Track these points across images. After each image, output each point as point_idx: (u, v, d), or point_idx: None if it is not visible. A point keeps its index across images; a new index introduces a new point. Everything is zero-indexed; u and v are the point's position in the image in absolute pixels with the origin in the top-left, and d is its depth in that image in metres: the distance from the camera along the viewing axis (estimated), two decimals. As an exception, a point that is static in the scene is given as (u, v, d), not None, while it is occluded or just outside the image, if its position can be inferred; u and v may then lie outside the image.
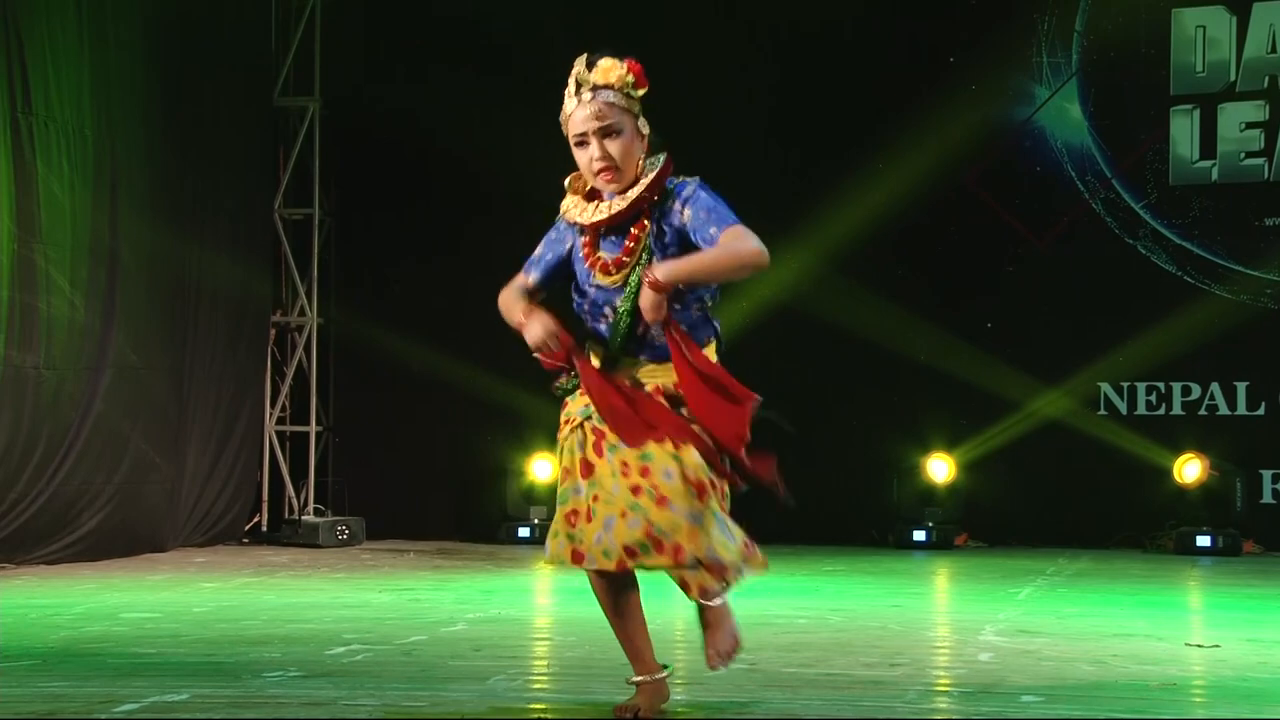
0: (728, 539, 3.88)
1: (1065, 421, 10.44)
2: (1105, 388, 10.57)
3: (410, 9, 11.33)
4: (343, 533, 10.67)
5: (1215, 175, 10.50)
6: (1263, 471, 10.27)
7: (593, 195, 4.03)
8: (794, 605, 7.05)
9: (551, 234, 4.13)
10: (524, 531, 10.70)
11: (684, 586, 3.91)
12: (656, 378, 3.99)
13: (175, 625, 6.27)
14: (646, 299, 3.87)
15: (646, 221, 3.95)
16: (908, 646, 5.71)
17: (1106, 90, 10.66)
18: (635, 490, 3.86)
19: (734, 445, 3.92)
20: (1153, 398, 10.53)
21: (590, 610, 6.72)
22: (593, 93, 3.93)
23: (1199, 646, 5.75)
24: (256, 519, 11.22)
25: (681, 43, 9.95)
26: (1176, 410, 10.49)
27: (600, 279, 4.00)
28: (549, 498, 10.74)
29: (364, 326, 11.16)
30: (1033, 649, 5.64)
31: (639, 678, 4.10)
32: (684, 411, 3.95)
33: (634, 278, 3.95)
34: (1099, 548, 10.07)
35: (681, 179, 3.99)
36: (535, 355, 4.05)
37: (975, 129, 10.54)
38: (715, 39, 10.53)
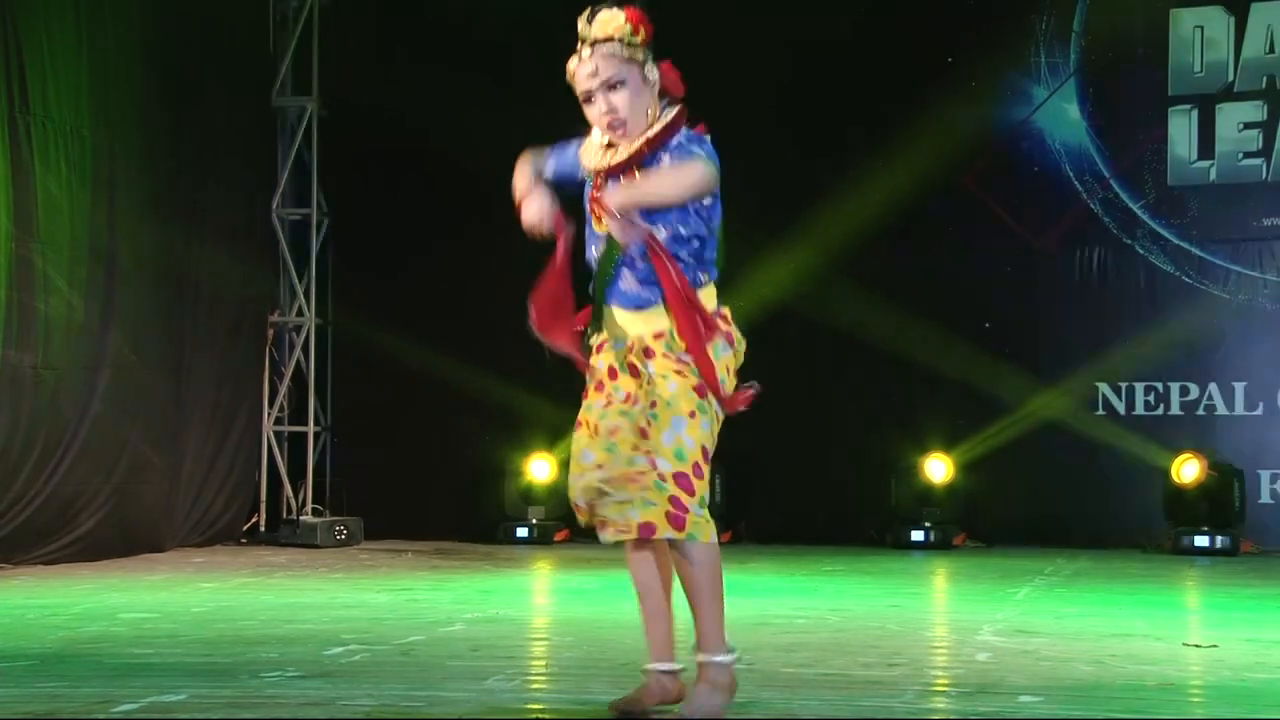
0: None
1: (1063, 422, 10.45)
2: (1103, 388, 10.58)
3: (408, 9, 11.32)
4: (340, 533, 10.66)
5: (1213, 175, 10.50)
6: (1260, 472, 10.28)
7: (612, 144, 4.01)
8: (792, 605, 7.05)
9: (580, 145, 4.08)
10: (522, 532, 10.69)
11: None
12: (635, 327, 3.96)
13: (173, 625, 6.27)
14: (613, 229, 3.85)
15: (637, 173, 3.93)
16: (906, 646, 5.71)
17: (1105, 90, 10.67)
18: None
19: (710, 376, 3.90)
20: (1151, 398, 10.53)
21: (588, 610, 6.74)
22: (592, 48, 3.93)
23: (1197, 646, 5.75)
24: (254, 519, 11.22)
25: (681, 43, 9.94)
26: (1174, 410, 10.49)
27: (596, 226, 4.01)
28: (547, 498, 10.74)
29: (362, 326, 11.16)
30: (1031, 649, 5.64)
31: (649, 666, 4.08)
32: (651, 366, 3.92)
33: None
34: (1097, 548, 10.07)
35: (688, 132, 3.94)
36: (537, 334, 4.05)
37: (973, 129, 10.54)
38: (715, 39, 10.52)
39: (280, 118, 11.41)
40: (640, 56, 3.94)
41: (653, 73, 3.95)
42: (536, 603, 7.84)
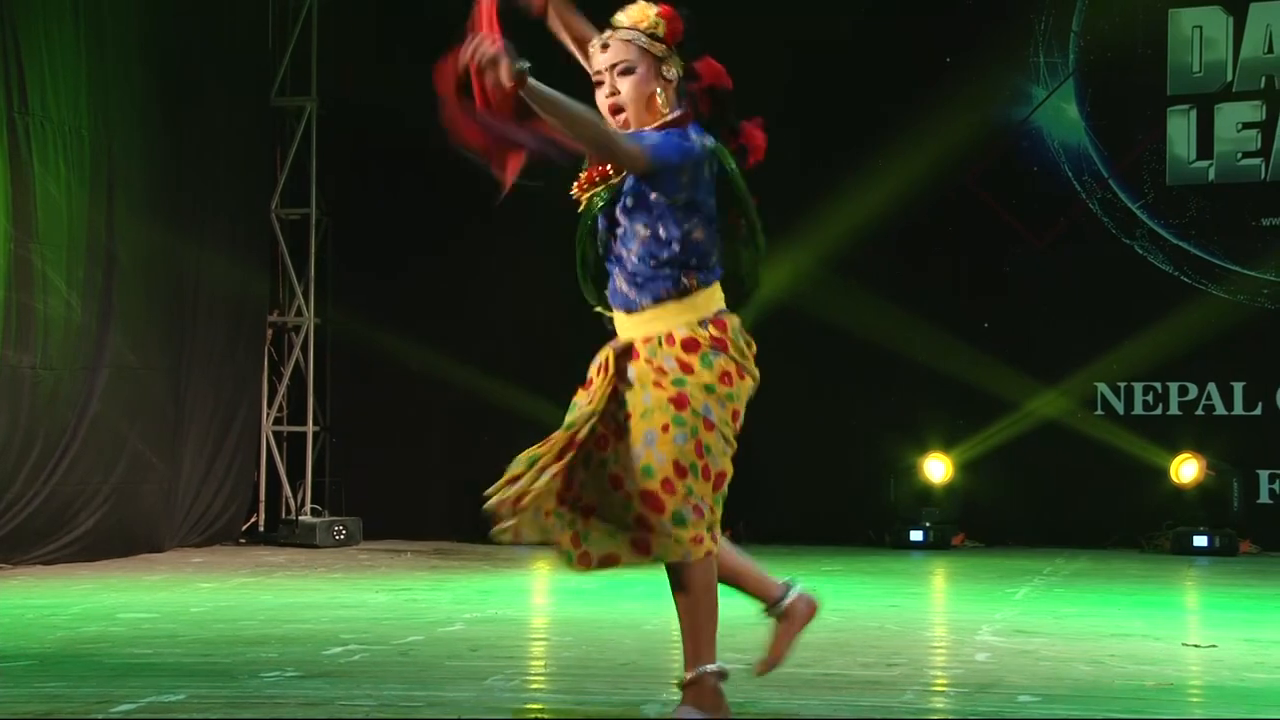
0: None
1: (1062, 421, 10.45)
2: (1102, 388, 10.58)
3: (408, 8, 11.31)
4: (340, 533, 10.66)
5: (1212, 175, 10.50)
6: (1259, 471, 10.28)
7: None
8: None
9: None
10: (521, 531, 10.67)
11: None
12: (627, 330, 3.88)
13: (172, 625, 6.27)
14: (499, 69, 3.55)
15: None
16: (905, 646, 5.71)
17: (1103, 90, 10.67)
18: (560, 499, 3.81)
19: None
20: (1150, 398, 10.53)
21: (587, 610, 6.74)
22: (614, 33, 3.91)
23: (1196, 646, 5.75)
24: (253, 519, 11.21)
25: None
26: (1173, 410, 10.49)
27: (575, 191, 3.92)
28: (546, 498, 10.72)
29: (361, 326, 11.16)
30: (1030, 649, 5.64)
31: (687, 674, 3.95)
32: (631, 371, 3.80)
33: (594, 200, 3.87)
34: (1096, 548, 10.07)
35: (677, 130, 3.84)
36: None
37: (972, 129, 10.54)
38: (714, 40, 10.52)
39: (279, 118, 11.40)
40: (658, 51, 3.88)
41: (670, 71, 3.89)
42: (535, 603, 7.84)
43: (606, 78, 3.89)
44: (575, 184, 3.94)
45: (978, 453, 10.51)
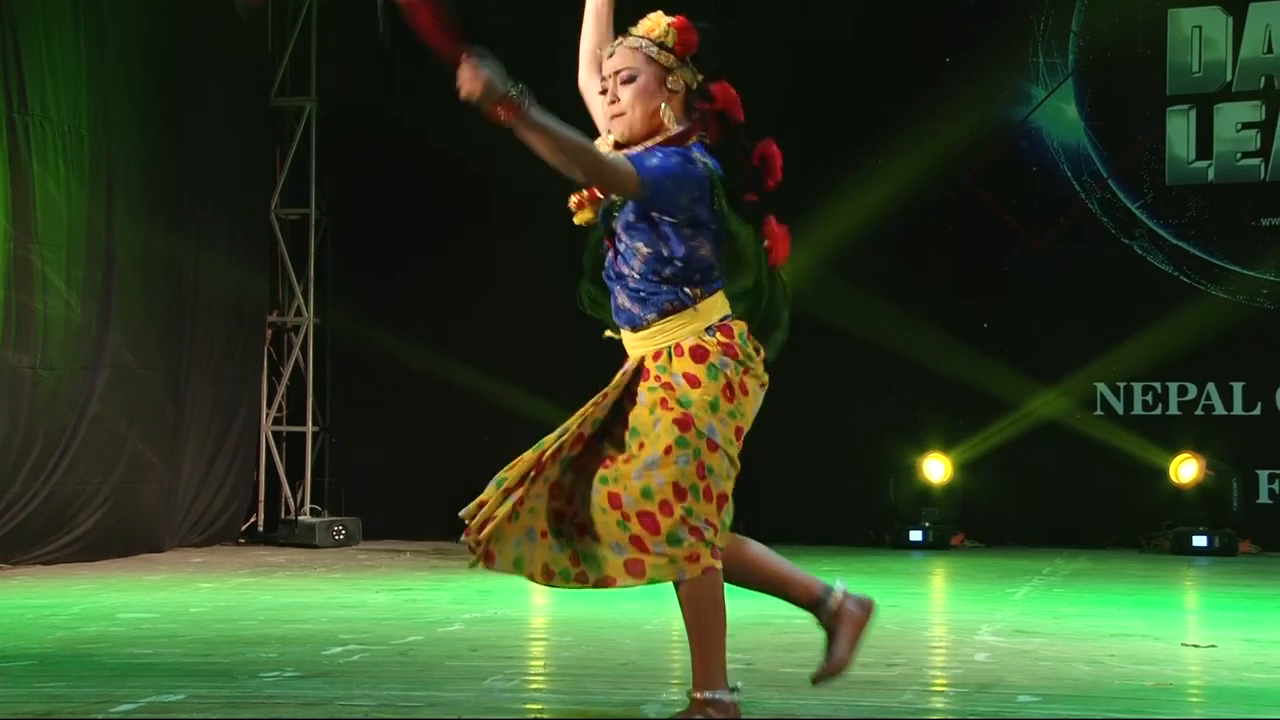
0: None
1: (1062, 421, 10.45)
2: (1102, 388, 10.58)
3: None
4: (339, 533, 10.66)
5: (1211, 175, 10.50)
6: (1259, 471, 10.28)
7: (618, 144, 3.90)
8: (791, 605, 7.03)
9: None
10: (521, 532, 10.67)
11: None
12: (636, 348, 3.85)
13: (172, 625, 6.27)
14: (464, 72, 3.63)
15: None
16: (904, 646, 5.71)
17: (1103, 90, 10.67)
18: (560, 516, 3.79)
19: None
20: (1149, 398, 10.53)
21: (587, 610, 6.74)
22: (623, 39, 3.89)
23: (1195, 647, 5.75)
24: (253, 519, 11.21)
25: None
26: (1173, 410, 10.49)
27: (573, 202, 3.91)
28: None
29: (360, 327, 11.16)
30: (1029, 649, 5.65)
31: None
32: (641, 393, 3.76)
33: (599, 216, 3.86)
34: (1095, 548, 10.07)
35: (678, 148, 3.80)
36: None
37: (972, 129, 10.54)
38: (714, 40, 10.53)
39: (279, 118, 11.40)
40: (666, 61, 3.84)
41: (676, 83, 3.84)
42: (535, 603, 7.84)
43: (610, 84, 3.87)
44: (575, 196, 3.90)
45: (977, 453, 10.51)
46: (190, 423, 10.31)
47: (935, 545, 10.35)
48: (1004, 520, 10.59)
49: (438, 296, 11.14)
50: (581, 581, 3.77)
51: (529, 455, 3.79)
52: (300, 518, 10.90)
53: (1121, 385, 10.56)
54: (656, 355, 3.80)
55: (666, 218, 3.75)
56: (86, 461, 9.26)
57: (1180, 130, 10.53)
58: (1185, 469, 10.11)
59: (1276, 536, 10.12)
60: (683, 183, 3.74)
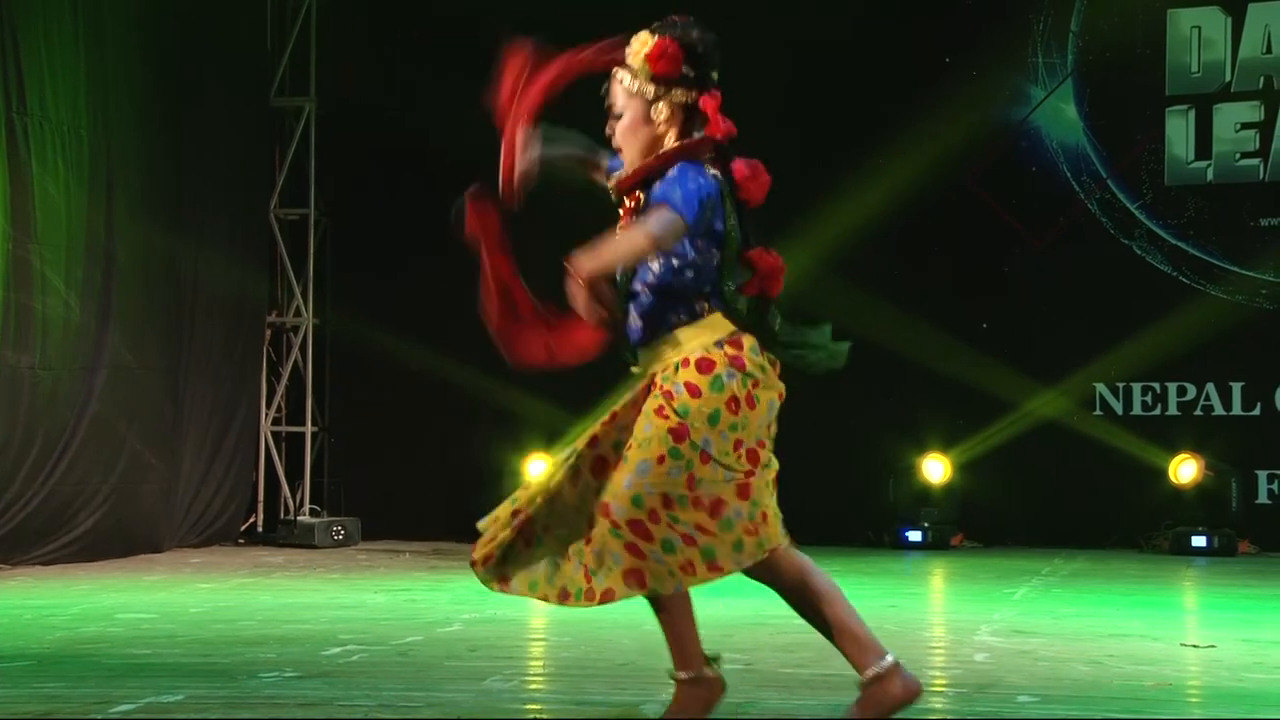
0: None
1: (1061, 422, 10.45)
2: (1101, 388, 10.58)
3: (406, 8, 11.32)
4: (338, 533, 10.66)
5: (1210, 176, 10.51)
6: (1258, 472, 10.28)
7: None
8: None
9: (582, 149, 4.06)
10: (520, 532, 10.66)
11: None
12: (648, 364, 3.87)
13: (171, 626, 6.27)
14: (571, 289, 3.75)
15: (641, 195, 3.85)
16: (903, 647, 5.69)
17: (1102, 91, 10.67)
18: (569, 537, 3.81)
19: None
20: (1148, 398, 10.53)
21: (586, 611, 6.73)
22: (620, 68, 3.89)
23: (1194, 647, 5.76)
24: (252, 519, 11.21)
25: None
26: (1172, 410, 10.49)
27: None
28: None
29: (360, 327, 11.15)
30: (1028, 649, 5.65)
31: (680, 674, 3.94)
32: (646, 401, 3.81)
33: None
34: (1095, 548, 10.07)
35: (684, 165, 3.80)
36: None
37: (972, 129, 10.53)
38: (709, 47, 10.52)
39: (278, 118, 11.40)
40: (650, 92, 3.84)
41: (662, 112, 3.84)
42: (534, 604, 7.83)
43: (610, 117, 3.92)
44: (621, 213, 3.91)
45: (976, 453, 10.51)
46: (189, 423, 10.31)
47: (934, 545, 10.35)
48: (1003, 520, 10.59)
49: (437, 296, 11.09)
50: (589, 599, 3.77)
51: (541, 478, 3.86)
52: (299, 518, 10.91)
53: (1120, 385, 10.56)
54: (665, 368, 3.82)
55: (685, 233, 3.77)
56: (85, 462, 9.26)
57: (1179, 130, 10.53)
58: (1184, 469, 10.11)
59: (1276, 537, 10.12)
60: (706, 200, 3.76)
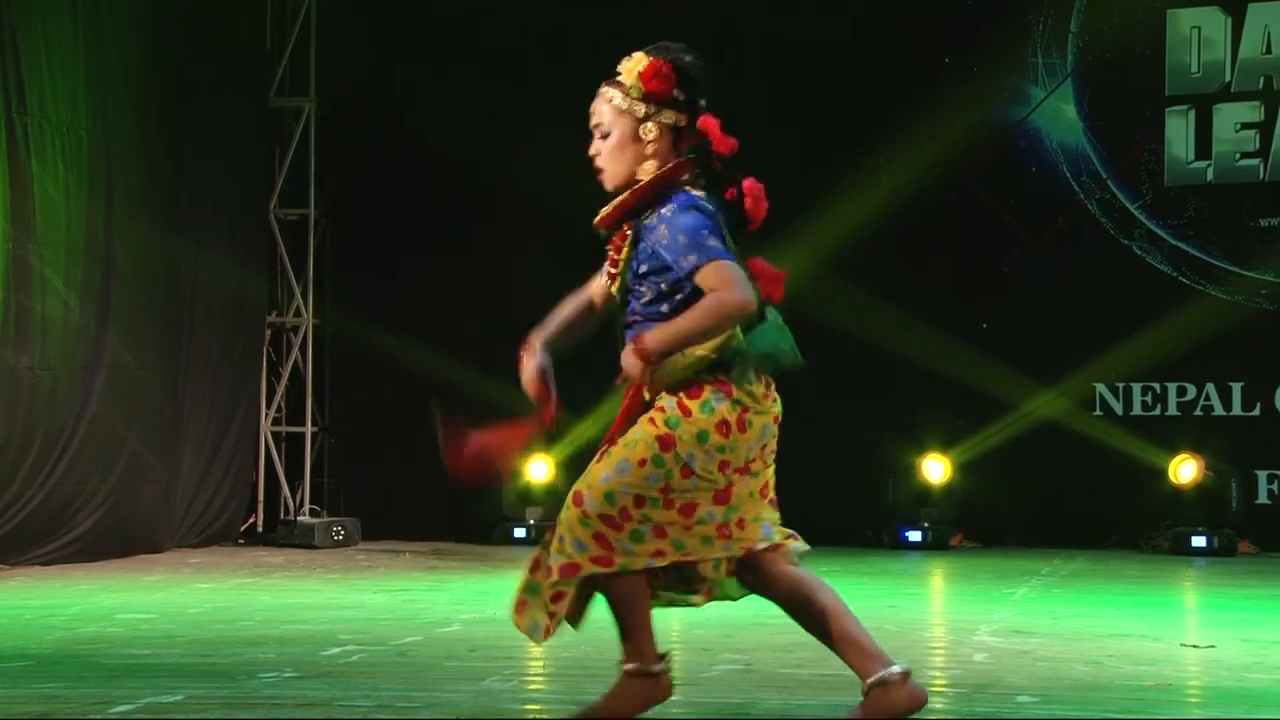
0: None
1: (1061, 422, 10.45)
2: (1100, 388, 10.58)
3: (406, 8, 11.32)
4: (338, 533, 10.66)
5: (1210, 176, 10.51)
6: (1258, 472, 10.28)
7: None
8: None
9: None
10: (519, 532, 10.67)
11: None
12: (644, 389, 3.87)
13: (170, 626, 6.26)
14: (628, 360, 3.75)
15: (628, 230, 3.84)
16: (903, 647, 5.70)
17: (1102, 91, 10.67)
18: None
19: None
20: (1148, 398, 10.54)
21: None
22: (605, 85, 3.88)
23: (1194, 647, 5.75)
24: (252, 520, 11.21)
25: (681, 44, 9.95)
26: (1172, 411, 10.50)
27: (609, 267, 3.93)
28: (545, 498, 10.72)
29: (359, 327, 11.15)
30: (1028, 649, 5.65)
31: (628, 665, 3.96)
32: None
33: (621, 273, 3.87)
34: (1094, 548, 10.07)
35: (681, 192, 3.80)
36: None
37: (971, 129, 10.54)
38: (714, 40, 10.52)
39: (278, 118, 11.40)
40: (639, 111, 3.82)
41: (651, 132, 3.81)
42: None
43: (594, 135, 3.89)
44: (610, 248, 3.90)
45: (976, 453, 10.51)
46: (189, 423, 10.31)
47: (934, 546, 10.35)
48: (1003, 521, 10.60)
49: (437, 296, 11.13)
50: (547, 575, 3.81)
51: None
52: (299, 518, 10.91)
53: (1120, 385, 10.56)
54: (656, 391, 3.82)
55: None
56: (85, 462, 9.26)
57: (1179, 130, 10.53)
58: (1184, 469, 10.12)
59: (1275, 537, 10.12)
60: (715, 229, 3.76)
